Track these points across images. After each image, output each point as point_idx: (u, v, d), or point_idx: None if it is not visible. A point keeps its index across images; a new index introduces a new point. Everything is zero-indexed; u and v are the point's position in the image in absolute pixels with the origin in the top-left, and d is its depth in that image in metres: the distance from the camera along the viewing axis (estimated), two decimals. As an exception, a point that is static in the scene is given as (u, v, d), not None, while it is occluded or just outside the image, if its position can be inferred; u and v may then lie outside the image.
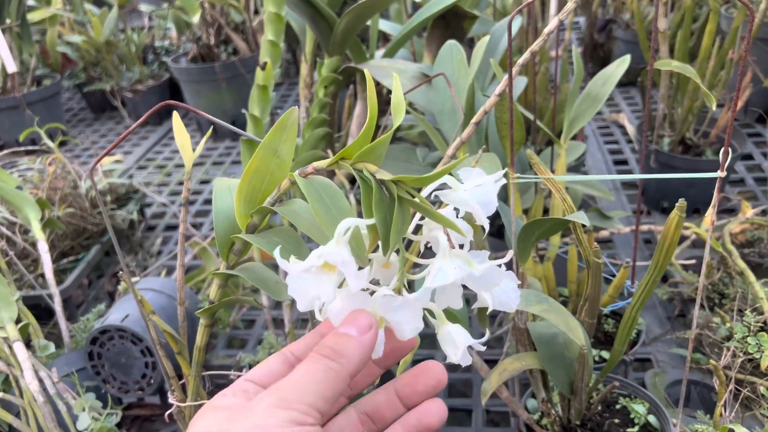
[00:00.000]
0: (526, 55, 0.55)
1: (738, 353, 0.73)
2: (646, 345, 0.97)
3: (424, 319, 0.35)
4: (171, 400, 0.56)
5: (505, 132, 0.73)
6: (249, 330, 1.11)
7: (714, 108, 0.67)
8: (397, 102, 0.36)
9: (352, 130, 1.07)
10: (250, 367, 0.83)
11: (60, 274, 1.15)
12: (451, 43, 0.83)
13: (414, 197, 0.34)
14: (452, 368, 0.99)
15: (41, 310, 1.09)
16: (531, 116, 0.84)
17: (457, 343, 0.35)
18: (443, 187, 0.35)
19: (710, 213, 0.53)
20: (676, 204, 0.51)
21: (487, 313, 0.41)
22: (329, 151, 0.98)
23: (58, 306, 0.95)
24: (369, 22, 1.05)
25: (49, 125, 1.32)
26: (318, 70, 0.98)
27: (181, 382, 0.57)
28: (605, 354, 0.79)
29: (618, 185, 1.42)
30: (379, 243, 0.35)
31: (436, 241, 0.36)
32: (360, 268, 0.33)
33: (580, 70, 0.91)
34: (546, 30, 0.54)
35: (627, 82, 1.90)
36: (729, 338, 0.81)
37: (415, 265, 0.38)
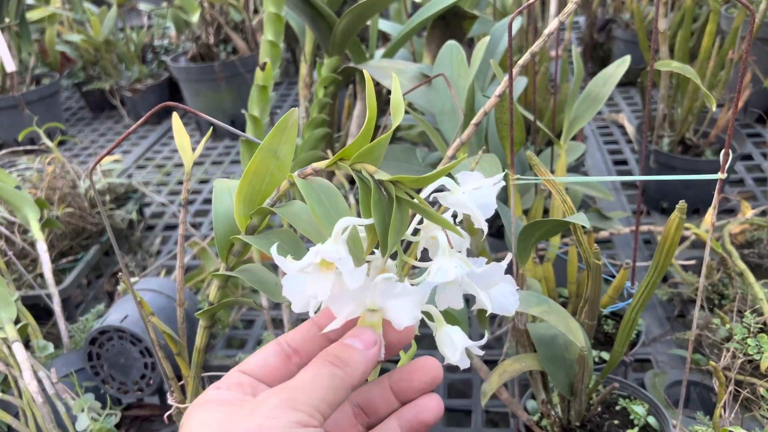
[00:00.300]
0: (527, 56, 0.55)
1: (738, 354, 0.73)
2: (645, 346, 0.97)
3: (424, 319, 0.35)
4: (170, 401, 0.56)
5: (505, 132, 0.73)
6: (248, 330, 1.11)
7: (714, 109, 0.67)
8: (396, 102, 0.36)
9: (351, 130, 1.07)
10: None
11: (59, 274, 1.15)
12: (451, 44, 0.83)
13: (413, 198, 0.34)
14: (451, 369, 0.99)
15: (40, 310, 1.09)
16: (531, 117, 0.83)
17: (456, 345, 0.35)
18: (442, 189, 0.35)
19: (710, 214, 0.53)
20: (677, 206, 0.51)
21: (487, 315, 0.41)
22: (329, 152, 0.98)
23: (57, 306, 0.94)
24: (369, 22, 1.05)
25: (48, 125, 1.32)
26: (318, 70, 0.98)
27: (180, 383, 0.57)
28: (605, 355, 0.79)
29: (617, 185, 1.42)
30: (377, 245, 0.35)
31: (434, 243, 0.36)
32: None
33: (580, 71, 0.91)
34: (546, 31, 0.54)
35: (626, 82, 1.90)
36: (729, 339, 0.81)
37: (412, 268, 0.38)
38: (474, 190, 0.35)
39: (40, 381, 0.76)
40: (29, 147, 1.32)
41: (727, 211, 1.26)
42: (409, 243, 0.38)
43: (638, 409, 0.66)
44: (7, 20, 1.91)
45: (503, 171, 0.64)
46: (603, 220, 0.97)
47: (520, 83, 0.95)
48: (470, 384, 0.96)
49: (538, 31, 1.26)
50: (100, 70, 2.21)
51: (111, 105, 2.27)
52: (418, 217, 0.37)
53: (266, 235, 0.44)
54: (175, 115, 0.52)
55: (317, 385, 0.31)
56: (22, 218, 0.97)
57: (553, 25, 0.54)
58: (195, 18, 1.89)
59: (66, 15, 2.21)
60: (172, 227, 1.49)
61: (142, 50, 2.30)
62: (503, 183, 0.35)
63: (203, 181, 1.71)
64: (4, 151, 1.32)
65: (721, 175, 0.50)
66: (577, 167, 1.25)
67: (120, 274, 0.52)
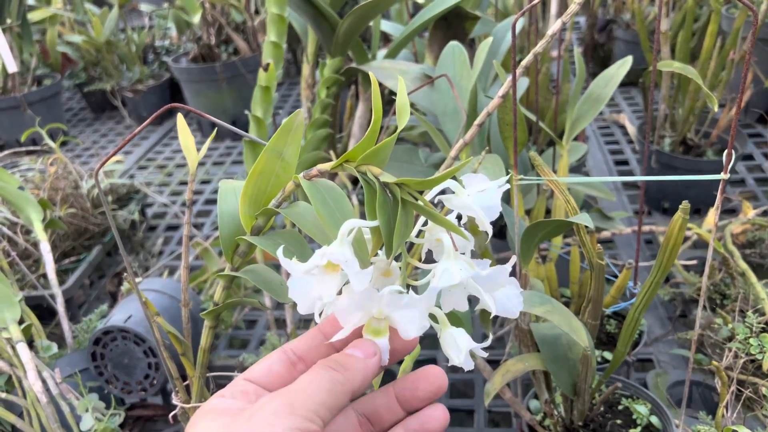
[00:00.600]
0: (530, 56, 0.56)
1: (740, 354, 0.74)
2: (647, 346, 0.97)
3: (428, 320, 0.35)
4: (175, 401, 0.56)
5: (507, 133, 0.73)
6: (250, 330, 1.12)
7: (716, 109, 0.67)
8: (402, 105, 0.37)
9: (353, 131, 1.07)
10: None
11: (61, 274, 1.15)
12: (454, 45, 0.83)
13: (418, 200, 0.34)
14: (454, 369, 0.99)
15: (43, 311, 1.09)
16: (533, 117, 0.84)
17: (460, 347, 0.35)
18: (446, 191, 0.35)
19: (713, 214, 0.53)
20: (680, 206, 0.51)
21: (491, 316, 0.41)
22: (331, 152, 0.99)
23: (60, 306, 0.95)
24: (371, 23, 1.05)
25: (51, 125, 1.32)
26: (320, 71, 0.98)
27: (185, 383, 0.57)
28: (607, 355, 0.79)
29: (619, 186, 1.42)
30: (382, 246, 0.35)
31: (439, 245, 0.36)
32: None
33: (582, 72, 0.91)
34: (549, 32, 0.54)
35: (627, 82, 1.90)
36: (731, 339, 0.81)
37: (416, 269, 0.38)
38: (479, 192, 0.35)
39: (44, 381, 0.77)
40: (31, 148, 1.32)
41: (729, 211, 1.26)
42: (413, 243, 0.39)
43: (641, 409, 0.66)
44: (8, 21, 1.91)
45: (506, 171, 0.64)
46: (605, 220, 0.97)
47: (522, 84, 0.96)
48: (472, 384, 0.97)
49: (539, 31, 1.26)
50: (101, 70, 2.21)
51: (112, 106, 2.28)
52: (422, 219, 0.37)
53: (271, 236, 0.44)
54: (179, 117, 0.52)
55: (316, 389, 0.31)
56: (25, 219, 0.97)
57: (556, 26, 0.54)
58: (196, 19, 1.89)
59: (67, 16, 2.21)
60: (174, 228, 1.49)
61: (143, 51, 2.30)
62: (508, 186, 0.36)
63: (205, 182, 1.71)
64: (6, 152, 1.32)
65: (724, 176, 0.50)
66: (578, 167, 1.25)
67: (125, 275, 0.52)
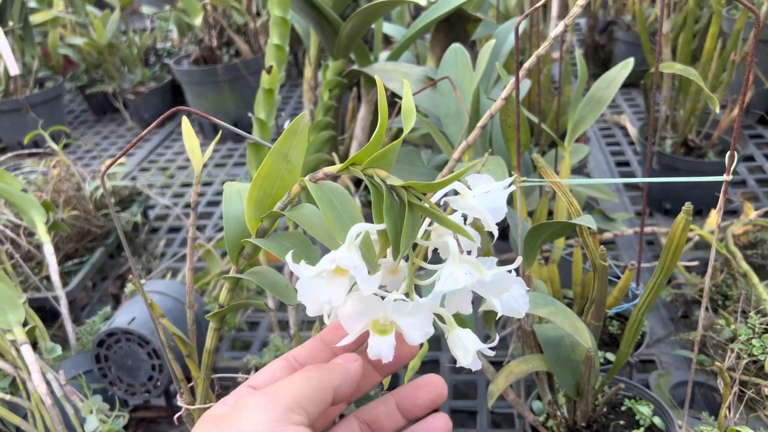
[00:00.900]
0: (533, 59, 0.56)
1: (742, 355, 0.74)
2: (650, 346, 0.97)
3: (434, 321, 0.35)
4: (180, 402, 0.56)
5: (510, 135, 0.73)
6: (253, 332, 1.12)
7: (717, 110, 0.67)
8: (407, 108, 0.37)
9: (356, 133, 1.07)
10: (257, 369, 0.84)
11: (65, 276, 1.16)
12: (456, 47, 0.84)
13: (424, 203, 0.34)
14: (457, 370, 0.99)
15: (45, 312, 1.09)
16: (535, 119, 0.84)
17: (468, 348, 0.35)
18: (451, 192, 0.36)
19: (716, 216, 0.53)
20: (683, 208, 0.52)
21: (495, 318, 0.42)
22: (333, 154, 0.99)
23: (64, 309, 0.95)
24: (373, 26, 1.05)
25: (53, 128, 1.32)
26: (323, 73, 0.99)
27: (189, 384, 0.57)
28: (610, 356, 0.79)
29: (620, 187, 1.42)
30: (389, 248, 0.35)
31: (445, 246, 0.36)
32: (370, 273, 0.34)
33: (584, 74, 0.91)
34: (552, 34, 0.55)
35: (628, 83, 1.90)
36: (733, 340, 0.81)
37: (421, 269, 0.38)
38: (485, 193, 0.35)
39: (48, 383, 0.77)
40: (34, 150, 1.32)
41: (730, 212, 1.26)
42: (416, 244, 0.39)
43: (644, 410, 0.66)
44: (10, 24, 1.92)
45: (509, 173, 0.65)
46: (607, 221, 0.97)
47: (524, 86, 0.96)
48: (475, 385, 0.97)
49: (541, 33, 1.26)
50: (102, 73, 2.21)
51: (114, 108, 2.28)
52: (427, 219, 0.38)
53: (276, 238, 0.45)
54: (184, 119, 0.53)
55: (297, 382, 0.32)
56: (28, 221, 0.97)
57: (558, 28, 0.54)
58: (198, 21, 1.89)
59: (69, 18, 2.22)
60: (176, 230, 1.49)
61: (144, 53, 2.30)
62: (513, 187, 0.36)
63: (207, 184, 1.72)
64: (9, 155, 1.32)
65: (726, 177, 0.51)
66: (579, 169, 1.25)
67: (130, 277, 0.52)
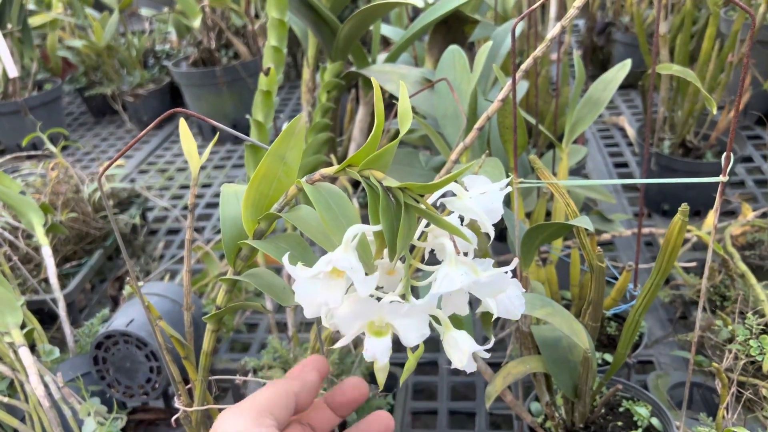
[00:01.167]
0: (530, 60, 0.56)
1: (740, 356, 0.74)
2: (648, 347, 0.98)
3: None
4: (177, 404, 0.56)
5: (507, 136, 0.73)
6: (252, 334, 1.12)
7: (714, 112, 0.67)
8: (404, 110, 0.37)
9: (354, 135, 1.07)
10: (255, 371, 0.84)
11: (63, 278, 1.16)
12: (453, 48, 0.84)
13: (420, 204, 0.34)
14: (455, 371, 0.99)
15: (44, 315, 1.09)
16: (533, 120, 0.84)
17: (463, 350, 0.35)
18: (448, 194, 0.36)
19: (713, 217, 0.53)
20: (679, 209, 0.52)
21: (492, 319, 0.42)
22: (332, 156, 0.99)
23: (62, 311, 0.95)
24: (371, 27, 1.05)
25: (51, 130, 1.32)
26: (321, 75, 0.99)
27: (187, 386, 0.57)
28: (608, 357, 0.80)
29: (619, 188, 1.42)
30: (386, 249, 0.35)
31: (442, 247, 0.36)
32: (367, 274, 0.34)
33: (581, 75, 0.91)
34: (549, 36, 0.55)
35: (626, 84, 1.90)
36: (731, 341, 0.81)
37: (418, 270, 0.38)
38: (481, 194, 0.35)
39: (46, 385, 0.77)
40: (32, 152, 1.32)
41: (728, 213, 1.26)
42: (413, 246, 0.39)
43: (641, 411, 0.66)
44: (9, 26, 1.92)
45: (506, 174, 0.65)
46: (605, 222, 0.97)
47: (522, 87, 0.96)
48: (473, 386, 0.97)
49: (538, 34, 1.27)
50: (101, 75, 2.22)
51: (113, 110, 2.28)
52: (424, 221, 0.38)
53: (274, 240, 0.45)
54: (182, 122, 0.53)
55: (264, 394, 0.39)
56: (26, 223, 0.97)
57: (555, 30, 0.55)
58: (196, 23, 1.90)
59: (68, 20, 2.22)
60: (174, 231, 1.49)
61: (143, 55, 2.31)
62: (510, 188, 0.36)
63: (206, 185, 1.72)
64: (7, 157, 1.32)
65: (722, 179, 0.51)
66: (578, 170, 1.25)
67: (128, 279, 0.52)
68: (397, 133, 0.40)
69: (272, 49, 0.89)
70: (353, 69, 1.00)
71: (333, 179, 0.39)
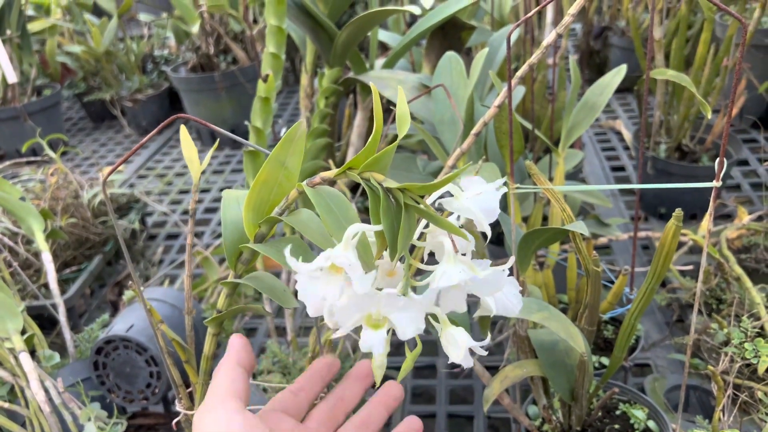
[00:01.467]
0: (525, 67, 0.57)
1: (736, 358, 0.74)
2: (645, 351, 0.98)
3: (426, 327, 0.36)
4: (178, 408, 0.56)
5: (504, 142, 0.74)
6: (251, 338, 1.12)
7: (709, 116, 0.68)
8: (402, 115, 0.38)
9: (352, 140, 1.08)
10: (254, 376, 0.84)
11: (63, 284, 1.16)
12: (450, 55, 0.85)
13: (420, 204, 0.35)
14: (454, 375, 1.00)
15: (44, 320, 1.09)
16: (529, 126, 0.85)
17: (459, 344, 0.36)
18: (446, 195, 0.37)
19: (707, 221, 0.54)
20: (674, 213, 0.52)
21: (491, 317, 0.42)
22: (330, 161, 1.00)
23: (62, 316, 0.95)
24: (369, 33, 1.06)
25: (51, 136, 1.33)
26: (319, 81, 0.99)
27: (188, 390, 0.57)
28: (605, 360, 0.80)
29: (615, 192, 1.43)
30: (386, 249, 0.36)
31: (441, 247, 0.37)
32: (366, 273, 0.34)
33: (577, 80, 0.92)
34: (544, 42, 0.55)
35: (623, 88, 1.91)
36: (726, 343, 0.82)
37: (419, 272, 0.39)
38: (477, 195, 0.36)
39: (46, 390, 0.77)
40: (32, 158, 1.33)
41: (724, 216, 1.27)
42: (413, 247, 0.40)
43: (638, 414, 0.67)
44: (8, 32, 1.92)
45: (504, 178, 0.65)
46: (601, 226, 0.98)
47: (518, 92, 0.97)
48: (471, 390, 0.97)
49: (535, 39, 1.28)
50: (100, 80, 2.22)
51: (111, 115, 2.29)
52: (423, 222, 0.38)
53: (275, 243, 0.45)
54: (183, 128, 0.53)
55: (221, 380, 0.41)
56: (26, 229, 0.98)
57: (551, 36, 0.55)
58: (195, 28, 1.90)
59: (66, 26, 2.22)
60: (174, 236, 1.49)
61: (142, 60, 2.31)
62: (505, 189, 0.37)
63: (204, 190, 1.72)
64: (7, 163, 1.33)
65: (716, 183, 0.51)
66: (575, 174, 1.26)
67: (130, 283, 0.53)
68: (395, 137, 0.41)
69: (271, 56, 0.90)
70: (351, 75, 1.01)
71: (333, 182, 0.40)
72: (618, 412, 0.69)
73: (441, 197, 0.37)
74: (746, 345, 0.74)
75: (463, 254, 0.37)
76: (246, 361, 0.44)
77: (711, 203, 0.51)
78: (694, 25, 1.41)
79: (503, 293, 0.37)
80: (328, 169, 1.02)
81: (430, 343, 1.06)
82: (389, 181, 0.35)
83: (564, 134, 0.89)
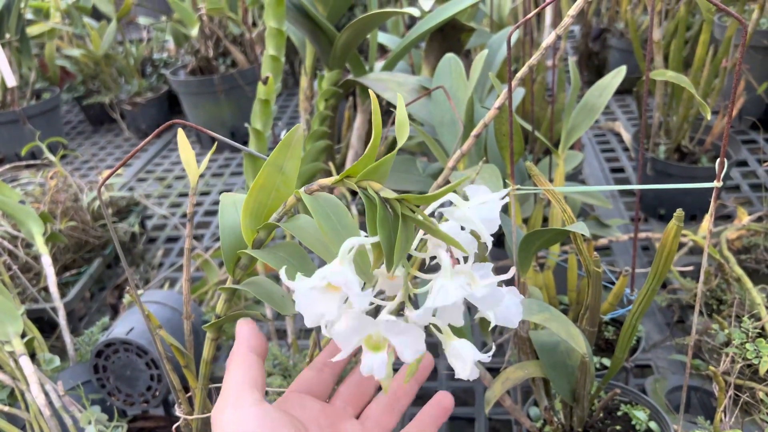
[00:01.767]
0: (525, 69, 0.57)
1: (737, 359, 0.74)
2: (646, 352, 0.98)
3: (429, 330, 0.35)
4: (178, 413, 0.56)
5: (504, 143, 0.74)
6: (251, 341, 1.12)
7: (709, 117, 0.68)
8: (401, 121, 0.37)
9: (352, 142, 1.08)
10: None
11: (62, 287, 1.16)
12: (449, 57, 0.85)
13: (417, 215, 0.35)
14: (454, 377, 1.00)
15: (44, 323, 1.09)
16: (529, 127, 0.85)
17: (466, 360, 0.36)
18: (446, 203, 0.36)
19: (707, 221, 0.54)
20: (675, 214, 0.52)
21: (489, 329, 0.42)
22: (330, 164, 0.99)
23: (62, 320, 0.95)
24: (368, 36, 1.06)
25: (50, 139, 1.33)
26: (318, 83, 0.99)
27: (187, 394, 0.57)
28: (606, 361, 0.80)
29: (615, 193, 1.43)
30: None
31: (441, 256, 0.37)
32: (364, 285, 0.34)
33: (576, 82, 0.92)
34: (544, 44, 0.55)
35: (622, 90, 1.91)
36: (727, 344, 0.82)
37: (416, 277, 0.38)
38: (479, 204, 0.35)
39: (47, 394, 0.77)
40: (31, 161, 1.33)
41: (724, 217, 1.27)
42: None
43: (640, 415, 0.67)
44: (7, 36, 1.92)
45: (503, 181, 0.65)
46: (602, 227, 0.98)
47: (518, 94, 0.97)
48: (473, 392, 0.97)
49: (534, 41, 1.28)
50: (99, 83, 2.22)
51: (111, 118, 2.29)
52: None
53: (272, 249, 0.45)
54: (180, 132, 0.53)
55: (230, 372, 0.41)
56: (26, 232, 0.98)
57: (550, 38, 0.55)
58: (194, 31, 1.90)
59: (66, 30, 2.22)
60: (173, 239, 1.49)
61: (141, 64, 2.31)
62: (508, 199, 0.36)
63: (204, 193, 1.72)
64: (6, 166, 1.33)
65: (716, 184, 0.51)
66: (575, 175, 1.26)
67: (127, 287, 0.53)
68: (395, 139, 0.41)
69: (270, 59, 0.90)
70: (351, 77, 1.01)
71: (331, 189, 0.39)
72: (619, 413, 0.69)
73: (441, 206, 0.36)
74: (747, 345, 0.74)
75: (465, 258, 0.36)
76: (258, 346, 0.42)
77: (712, 203, 0.51)
78: (692, 27, 1.41)
79: (503, 305, 0.37)
80: (328, 171, 1.02)
81: (431, 345, 1.06)
82: (386, 191, 0.35)
83: (564, 136, 0.89)
